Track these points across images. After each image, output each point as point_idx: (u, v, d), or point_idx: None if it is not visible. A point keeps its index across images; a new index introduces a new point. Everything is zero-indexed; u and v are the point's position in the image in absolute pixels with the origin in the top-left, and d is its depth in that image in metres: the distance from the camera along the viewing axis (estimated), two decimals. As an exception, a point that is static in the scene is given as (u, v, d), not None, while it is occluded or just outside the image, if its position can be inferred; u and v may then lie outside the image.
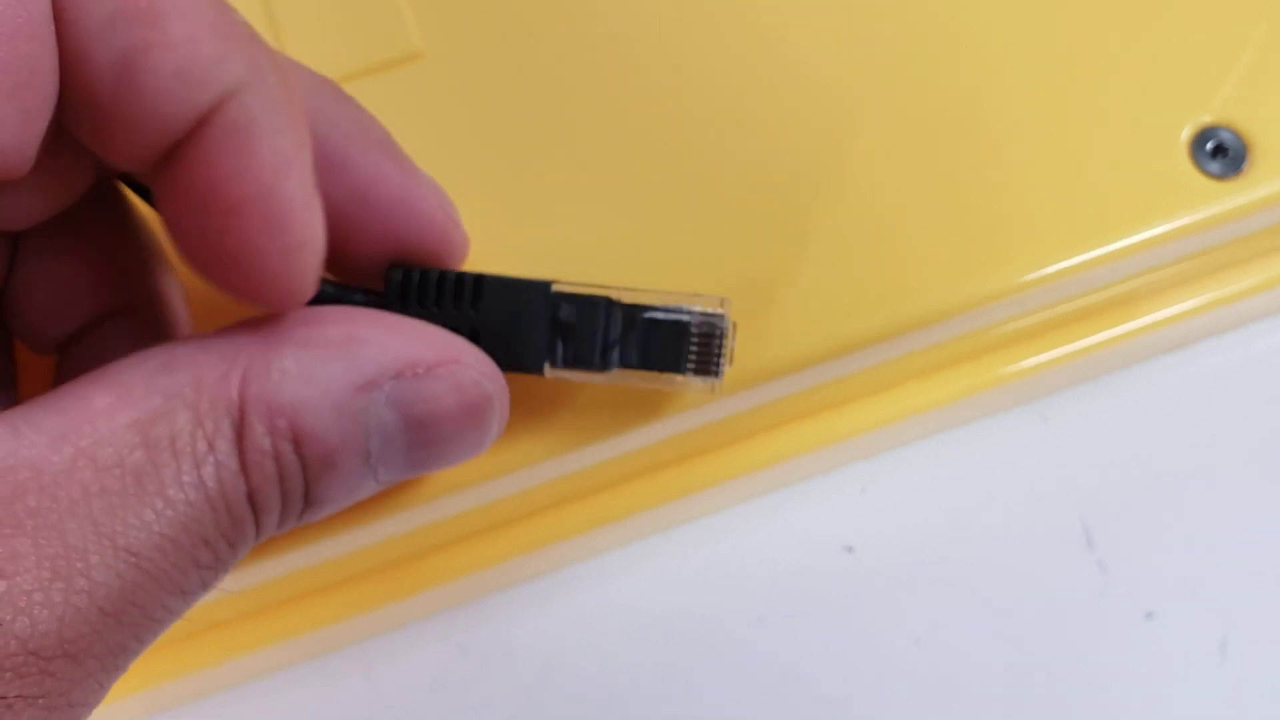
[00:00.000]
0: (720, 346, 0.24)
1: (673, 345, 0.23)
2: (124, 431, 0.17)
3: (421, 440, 0.20)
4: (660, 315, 0.24)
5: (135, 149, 0.18)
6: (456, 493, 0.27)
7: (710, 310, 0.24)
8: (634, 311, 0.24)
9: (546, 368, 0.24)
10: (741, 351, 0.26)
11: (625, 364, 0.24)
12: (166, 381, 0.18)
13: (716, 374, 0.24)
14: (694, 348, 0.24)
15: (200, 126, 0.17)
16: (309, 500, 0.20)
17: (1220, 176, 0.28)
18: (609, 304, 0.23)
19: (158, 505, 0.17)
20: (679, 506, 0.32)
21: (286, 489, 0.19)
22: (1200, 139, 0.28)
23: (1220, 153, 0.28)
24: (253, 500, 0.18)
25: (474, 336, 0.23)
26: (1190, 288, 0.34)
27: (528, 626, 0.34)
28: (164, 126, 0.17)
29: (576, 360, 0.23)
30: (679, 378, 0.24)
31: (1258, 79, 0.29)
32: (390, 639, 0.34)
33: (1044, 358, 0.33)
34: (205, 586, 0.19)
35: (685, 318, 0.24)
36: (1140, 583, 0.34)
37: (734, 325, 0.24)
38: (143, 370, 0.18)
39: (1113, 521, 0.34)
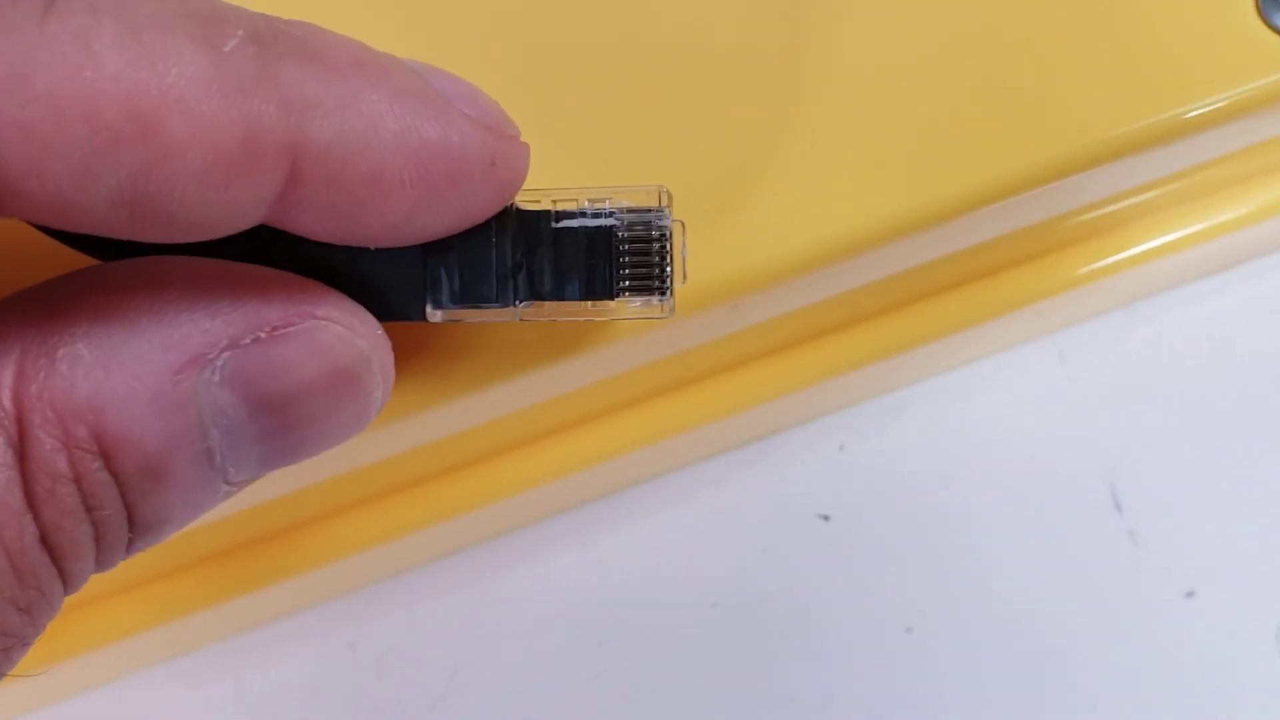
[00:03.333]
0: (664, 254, 0.18)
1: (597, 261, 0.18)
2: None
3: (279, 425, 0.17)
4: (575, 223, 0.18)
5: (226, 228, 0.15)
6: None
7: (644, 208, 0.18)
8: (537, 221, 0.18)
9: (429, 310, 0.18)
10: (693, 264, 0.19)
11: (536, 294, 0.18)
12: None
13: (662, 290, 0.18)
14: (626, 260, 0.18)
15: (291, 177, 0.15)
16: (135, 527, 0.16)
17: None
18: (499, 214, 0.18)
19: None
20: (616, 466, 0.26)
21: (99, 519, 0.16)
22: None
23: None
24: (50, 544, 0.15)
25: (334, 280, 0.18)
26: (1236, 192, 0.28)
27: (433, 618, 0.28)
28: (233, 217, 0.15)
29: (465, 296, 0.18)
30: (611, 304, 0.18)
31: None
32: (263, 635, 0.29)
33: (1063, 278, 0.27)
34: None
35: (609, 221, 0.18)
36: (1178, 555, 0.28)
37: (681, 226, 0.18)
38: None
39: (1143, 480, 0.29)
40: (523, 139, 0.18)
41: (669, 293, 0.18)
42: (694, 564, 0.28)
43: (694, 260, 0.19)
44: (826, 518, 0.29)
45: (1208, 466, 0.29)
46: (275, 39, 0.15)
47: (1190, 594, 0.28)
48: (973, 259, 0.26)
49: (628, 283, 0.18)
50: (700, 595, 0.28)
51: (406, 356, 0.20)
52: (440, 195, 0.16)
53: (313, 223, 0.16)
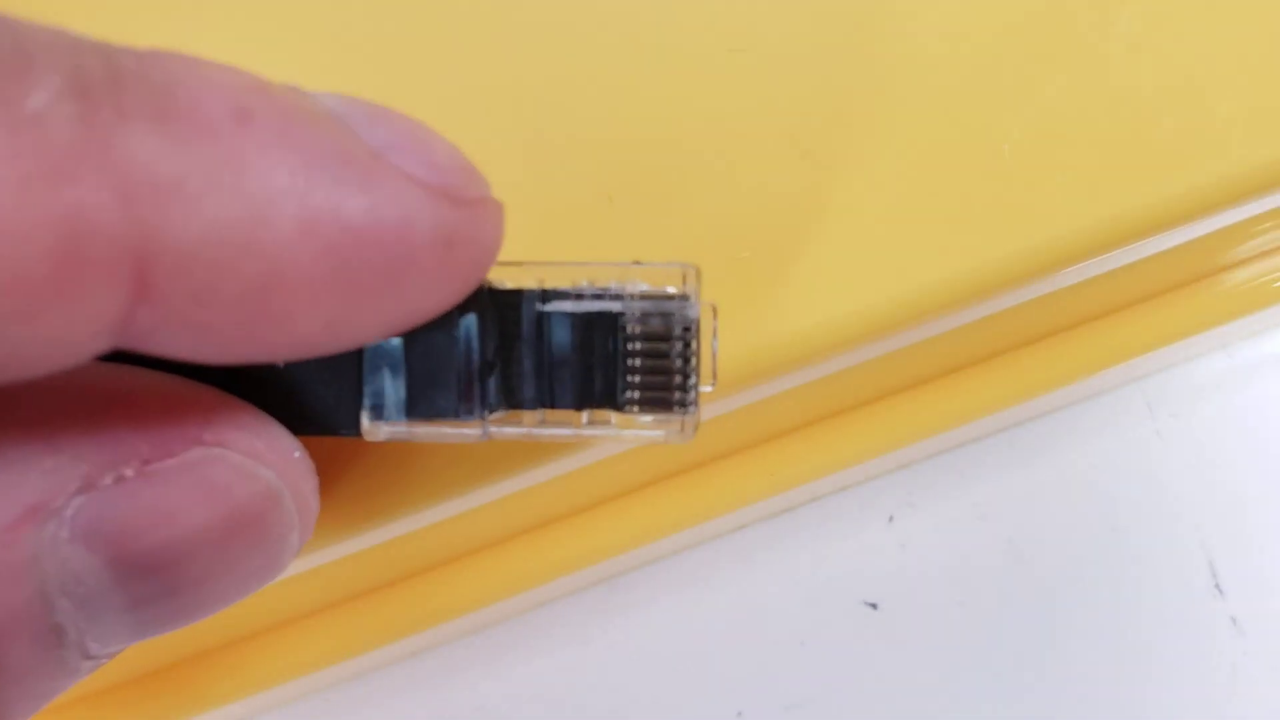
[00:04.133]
0: (687, 355, 0.13)
1: (596, 359, 0.13)
2: None
3: (156, 590, 0.13)
4: (568, 305, 0.13)
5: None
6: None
7: (662, 292, 0.13)
8: (516, 303, 0.13)
9: (366, 424, 0.13)
10: (727, 340, 0.15)
11: (512, 402, 0.13)
12: None
13: (684, 405, 0.13)
14: (638, 362, 0.13)
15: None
16: None
17: None
18: (473, 296, 0.13)
19: None
20: (620, 560, 0.21)
21: None
22: None
23: None
24: None
25: (237, 385, 0.14)
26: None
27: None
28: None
29: (415, 407, 0.13)
30: (613, 418, 0.13)
31: None
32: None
33: (1157, 331, 0.23)
34: None
35: (615, 305, 0.13)
36: (1291, 645, 0.24)
37: (713, 310, 0.14)
38: None
39: (1247, 556, 0.24)
40: (495, 197, 0.13)
41: (692, 406, 0.13)
42: (714, 661, 0.24)
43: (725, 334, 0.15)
44: (874, 605, 0.24)
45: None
46: (113, 88, 0.10)
47: (1306, 694, 0.24)
48: (1048, 309, 0.21)
49: (638, 393, 0.13)
50: (723, 700, 0.23)
51: (342, 469, 0.16)
52: (373, 298, 0.11)
53: (182, 347, 0.11)
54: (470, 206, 0.12)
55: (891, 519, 0.24)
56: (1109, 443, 0.25)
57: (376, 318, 0.12)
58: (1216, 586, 0.24)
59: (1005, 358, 0.22)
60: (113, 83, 0.10)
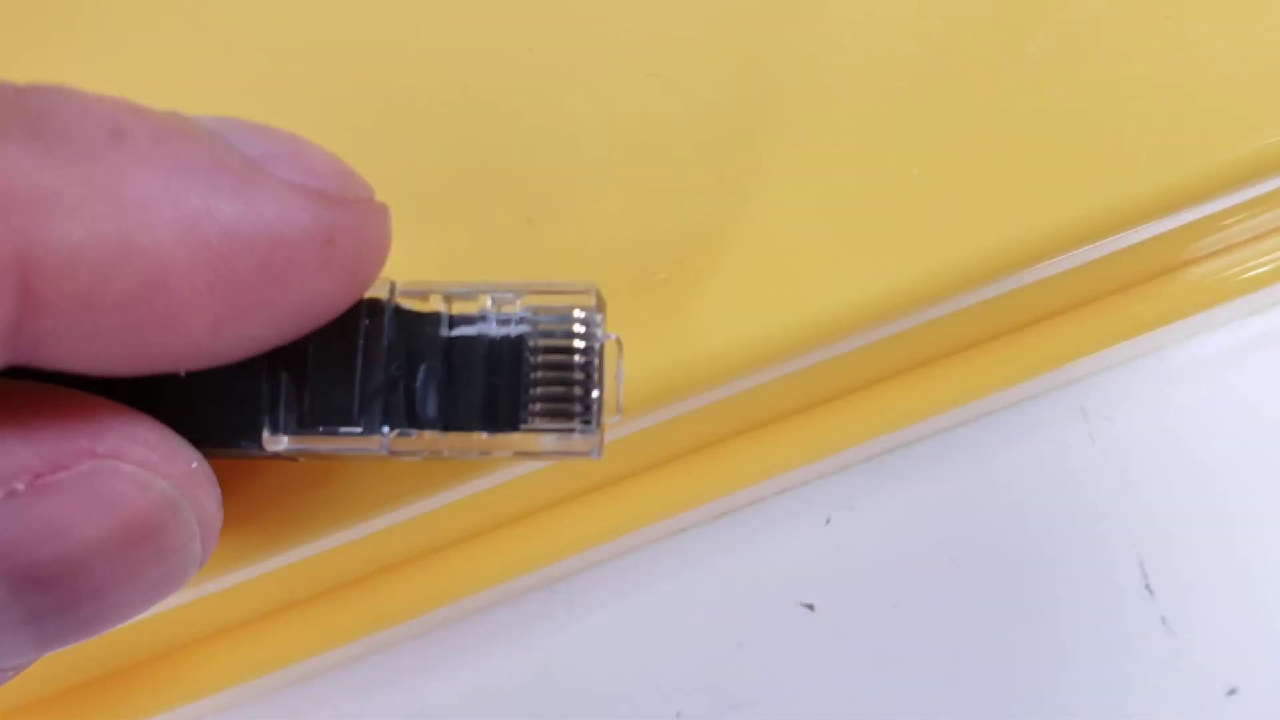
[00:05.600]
0: (589, 372, 0.13)
1: (500, 380, 0.13)
2: None
3: (54, 602, 0.13)
4: (473, 329, 0.13)
5: None
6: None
7: (566, 311, 0.13)
8: (422, 325, 0.14)
9: (266, 435, 0.14)
10: (640, 352, 0.15)
11: (414, 420, 0.14)
12: None
13: (586, 421, 0.13)
14: (540, 377, 0.13)
15: None
16: None
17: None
18: (369, 310, 0.13)
19: None
20: (557, 567, 0.22)
21: None
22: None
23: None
24: None
25: (137, 397, 0.14)
26: None
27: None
28: None
29: (316, 418, 0.13)
30: (514, 436, 0.13)
31: None
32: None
33: (1092, 337, 0.23)
34: None
35: (520, 329, 0.13)
36: (1218, 645, 0.24)
37: (618, 344, 0.14)
38: None
39: (1177, 558, 0.25)
40: (380, 200, 0.13)
41: (594, 425, 0.13)
42: (653, 663, 0.24)
43: (636, 350, 0.15)
44: (810, 606, 0.24)
45: (1251, 544, 0.25)
46: None
47: (1232, 692, 0.24)
48: (977, 318, 0.22)
49: (539, 405, 0.13)
50: (662, 702, 0.24)
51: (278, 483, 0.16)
52: (257, 296, 0.12)
53: (75, 357, 0.11)
54: (349, 206, 0.12)
55: (828, 521, 0.25)
56: (1043, 446, 0.25)
57: (263, 316, 0.12)
58: (1147, 587, 0.25)
59: (939, 364, 0.22)
60: None
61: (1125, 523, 0.25)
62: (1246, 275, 0.23)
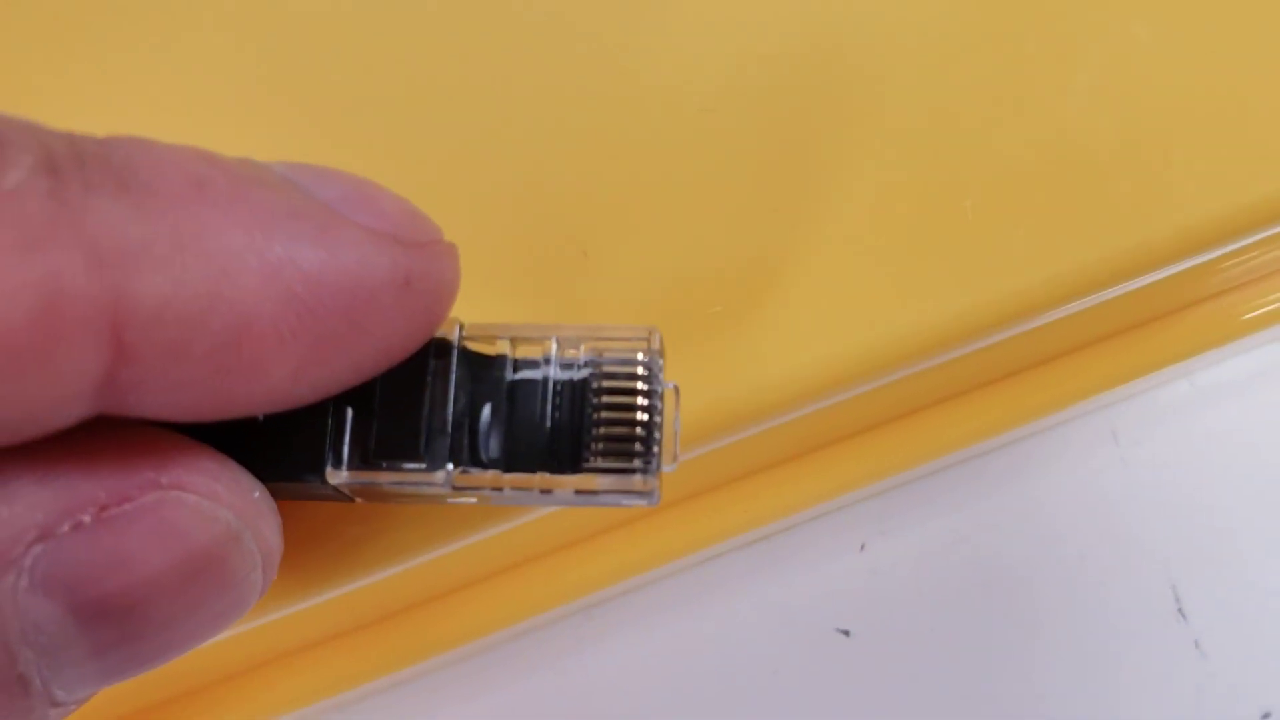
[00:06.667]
0: (651, 414, 0.13)
1: (561, 424, 0.14)
2: None
3: (120, 635, 0.13)
4: (536, 373, 0.14)
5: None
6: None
7: (628, 355, 0.14)
8: (488, 367, 0.14)
9: (330, 470, 0.14)
10: (694, 387, 0.15)
11: (476, 460, 0.14)
12: None
13: (647, 464, 0.13)
14: (601, 418, 0.13)
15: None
16: None
17: None
18: (437, 349, 0.14)
19: None
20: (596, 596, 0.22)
21: None
22: None
23: None
24: None
25: (216, 431, 0.13)
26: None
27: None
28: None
29: (381, 453, 0.13)
30: (573, 479, 0.14)
31: None
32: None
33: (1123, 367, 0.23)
34: None
35: (583, 373, 0.14)
36: (1251, 668, 0.24)
37: (676, 392, 0.14)
38: None
39: (1210, 582, 0.25)
40: (447, 240, 0.13)
41: (655, 467, 0.13)
42: (689, 689, 0.24)
43: (689, 386, 0.15)
44: (846, 632, 0.24)
45: (1285, 566, 0.25)
46: (80, 165, 0.11)
47: (1267, 715, 0.24)
48: (1016, 349, 0.22)
49: (601, 444, 0.14)
50: (698, 728, 0.24)
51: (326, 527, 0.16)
52: (338, 341, 0.12)
53: (160, 406, 0.12)
54: (423, 248, 0.13)
55: (863, 547, 0.25)
56: (1075, 470, 0.25)
57: (345, 360, 0.12)
58: (1180, 611, 0.25)
59: (975, 394, 0.22)
60: (78, 161, 0.11)
61: (1157, 546, 0.25)
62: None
